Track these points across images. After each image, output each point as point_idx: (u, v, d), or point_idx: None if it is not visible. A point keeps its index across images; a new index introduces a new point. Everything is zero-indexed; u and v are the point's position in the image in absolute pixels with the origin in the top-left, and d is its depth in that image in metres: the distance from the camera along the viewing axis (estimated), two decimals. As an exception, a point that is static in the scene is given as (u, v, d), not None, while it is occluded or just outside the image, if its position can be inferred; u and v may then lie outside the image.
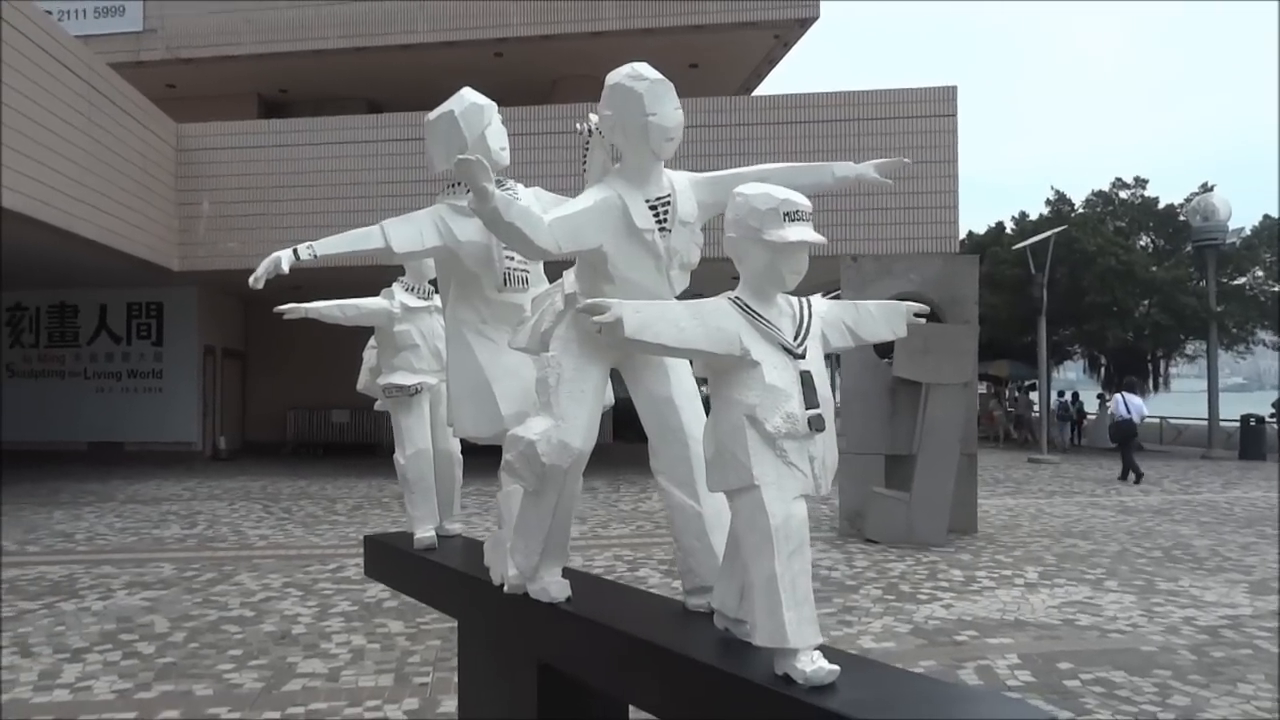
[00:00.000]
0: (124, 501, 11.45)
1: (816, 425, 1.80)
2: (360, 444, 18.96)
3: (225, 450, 17.88)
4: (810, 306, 1.95)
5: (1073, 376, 36.04)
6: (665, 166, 2.31)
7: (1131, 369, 23.61)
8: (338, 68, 17.42)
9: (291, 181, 13.87)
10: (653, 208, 2.24)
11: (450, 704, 4.06)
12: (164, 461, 16.42)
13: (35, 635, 5.44)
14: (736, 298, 1.88)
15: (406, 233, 2.62)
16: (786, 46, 17.25)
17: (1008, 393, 26.05)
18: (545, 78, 17.30)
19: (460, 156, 1.89)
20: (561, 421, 2.13)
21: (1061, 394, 24.58)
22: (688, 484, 2.22)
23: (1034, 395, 24.22)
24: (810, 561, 1.75)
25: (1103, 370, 24.24)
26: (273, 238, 12.24)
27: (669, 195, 2.26)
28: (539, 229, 2.05)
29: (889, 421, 8.97)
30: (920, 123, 13.30)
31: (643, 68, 2.19)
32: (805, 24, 16.10)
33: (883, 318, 2.05)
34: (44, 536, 8.92)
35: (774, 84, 30.54)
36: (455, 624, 3.08)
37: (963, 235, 26.95)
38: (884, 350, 9.22)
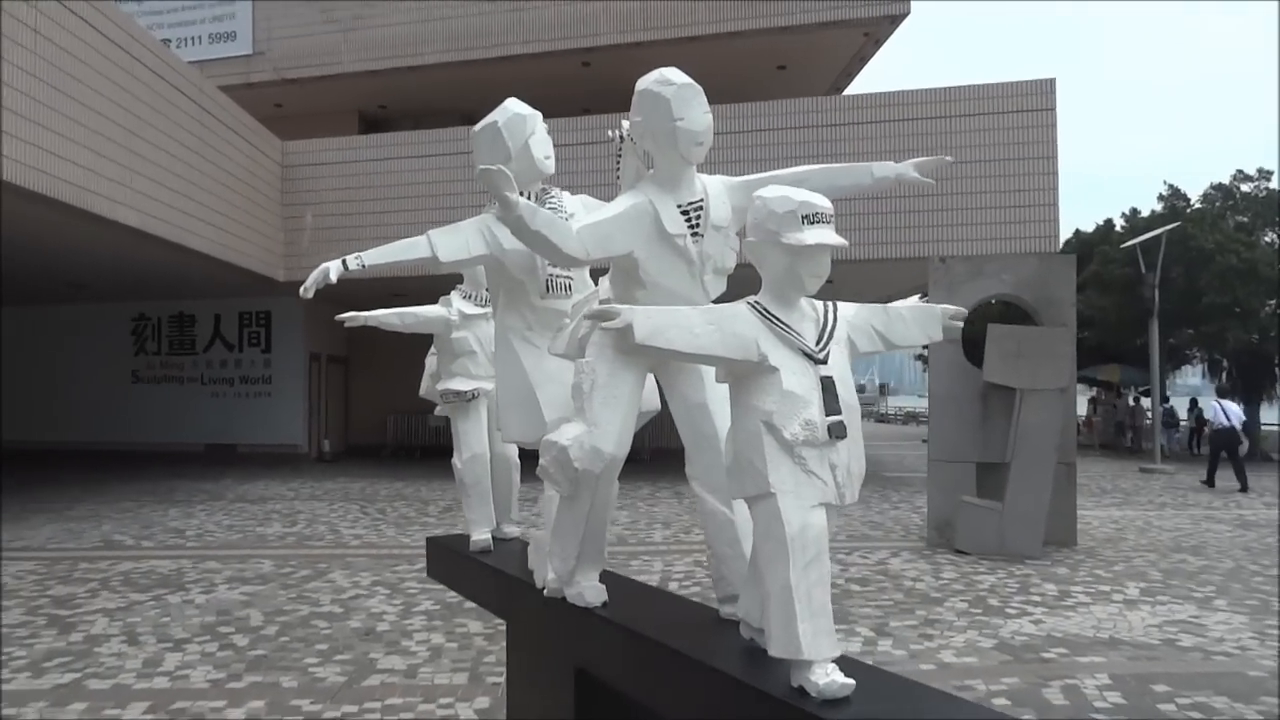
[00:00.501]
0: (233, 500, 12.06)
1: (837, 432, 1.76)
2: (457, 447, 19.40)
3: (329, 452, 18.61)
4: (835, 310, 1.91)
5: (1195, 382, 33.99)
6: (700, 170, 2.29)
7: (1257, 372, 22.13)
8: (433, 83, 17.95)
9: (389, 194, 14.36)
10: (685, 213, 2.23)
11: (518, 705, 4.12)
12: (271, 463, 17.21)
13: (143, 625, 5.79)
14: (756, 302, 1.86)
15: (452, 242, 2.68)
16: (877, 44, 16.88)
17: (1117, 399, 24.79)
18: (633, 84, 17.41)
19: (481, 167, 1.91)
20: (594, 427, 2.14)
21: (1166, 400, 23.16)
22: (720, 490, 2.20)
23: (1146, 401, 22.97)
24: (829, 572, 1.71)
25: (1223, 374, 22.75)
26: (371, 248, 12.65)
27: (701, 200, 2.25)
28: (566, 236, 2.06)
29: (980, 428, 8.65)
30: (1017, 118, 12.82)
31: (671, 73, 2.19)
32: (896, 21, 15.73)
33: (915, 322, 1.98)
34: (158, 532, 9.48)
35: (866, 82, 29.87)
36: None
37: (1068, 234, 25.75)
38: (976, 355, 8.92)
